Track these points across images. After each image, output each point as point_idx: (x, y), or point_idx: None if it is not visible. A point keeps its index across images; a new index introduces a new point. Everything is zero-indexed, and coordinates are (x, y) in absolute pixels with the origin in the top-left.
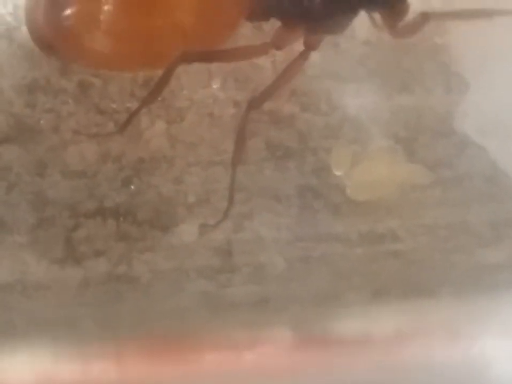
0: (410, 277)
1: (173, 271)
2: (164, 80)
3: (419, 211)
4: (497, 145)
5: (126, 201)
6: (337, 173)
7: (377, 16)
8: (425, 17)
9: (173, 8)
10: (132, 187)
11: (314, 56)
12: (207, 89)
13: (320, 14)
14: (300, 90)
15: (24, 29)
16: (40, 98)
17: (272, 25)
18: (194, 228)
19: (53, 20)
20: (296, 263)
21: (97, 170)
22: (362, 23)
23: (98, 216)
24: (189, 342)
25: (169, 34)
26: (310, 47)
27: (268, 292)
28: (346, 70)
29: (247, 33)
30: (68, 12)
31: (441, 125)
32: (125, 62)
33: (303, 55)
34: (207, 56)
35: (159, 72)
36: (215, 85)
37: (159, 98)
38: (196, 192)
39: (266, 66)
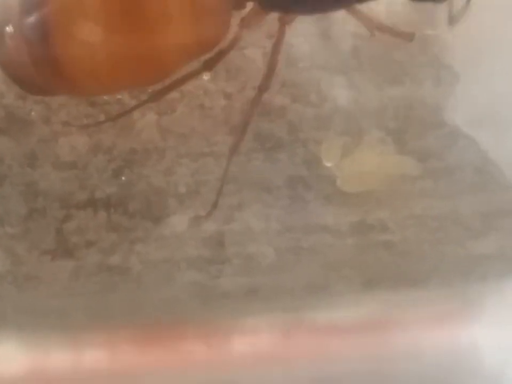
0: (400, 267)
1: (164, 262)
2: (179, 84)
3: (409, 202)
4: (488, 136)
5: (117, 192)
6: (328, 164)
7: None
8: None
9: (168, 24)
10: (123, 178)
11: (305, 47)
12: (197, 80)
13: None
14: (290, 81)
15: None
16: None
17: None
18: (185, 218)
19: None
20: (287, 254)
21: (88, 161)
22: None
23: (89, 207)
24: (179, 331)
25: (168, 51)
26: (285, 23)
27: (258, 282)
28: (337, 61)
29: None
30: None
31: (431, 117)
32: (127, 85)
33: (281, 30)
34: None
35: None
36: (206, 77)
37: (149, 90)
38: (187, 183)
39: (257, 58)
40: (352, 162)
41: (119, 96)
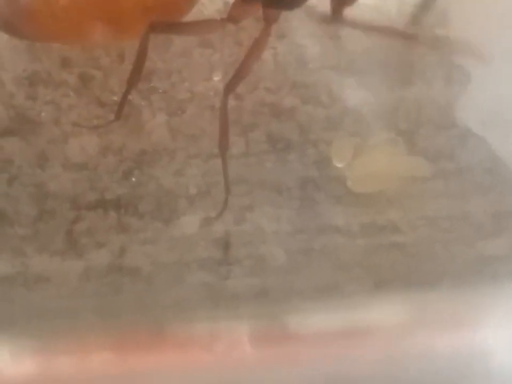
0: (411, 268)
1: (174, 263)
2: (141, 56)
3: (420, 203)
4: (498, 136)
5: (127, 193)
6: (338, 165)
7: None
8: None
9: None
10: (133, 179)
11: (315, 48)
12: (208, 81)
13: None
14: (301, 82)
15: None
16: (41, 91)
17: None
18: (196, 219)
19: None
20: (297, 255)
21: (98, 162)
22: (363, 14)
23: (99, 208)
24: (190, 332)
25: (129, 5)
26: (269, 21)
27: (268, 284)
28: (347, 62)
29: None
30: None
31: (442, 117)
32: (85, 34)
33: (266, 30)
34: (174, 28)
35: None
36: (216, 77)
37: (160, 91)
38: (197, 184)
39: (268, 58)
40: (363, 163)
41: (129, 97)
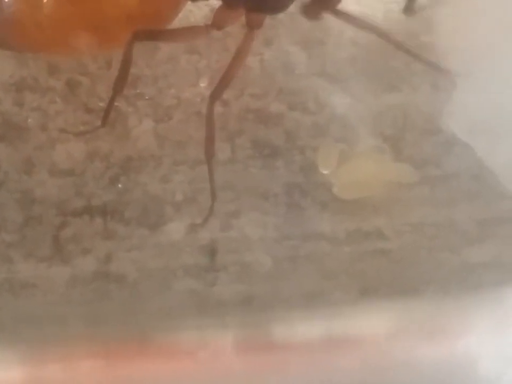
0: (396, 275)
1: (160, 270)
2: (126, 64)
3: (406, 209)
4: (484, 143)
5: (114, 199)
6: (324, 171)
7: None
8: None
9: None
10: (120, 185)
11: (302, 55)
12: (194, 88)
13: None
14: (288, 89)
15: None
16: (27, 97)
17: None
18: (182, 226)
19: None
20: (283, 262)
21: (85, 168)
22: None
23: (85, 215)
24: (176, 340)
25: (113, 15)
26: (253, 26)
27: (254, 291)
28: (334, 69)
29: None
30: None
31: (428, 124)
32: (71, 44)
33: (249, 36)
34: (158, 35)
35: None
36: (203, 84)
37: (146, 97)
38: (183, 191)
39: (254, 65)
40: (349, 170)
41: (116, 104)
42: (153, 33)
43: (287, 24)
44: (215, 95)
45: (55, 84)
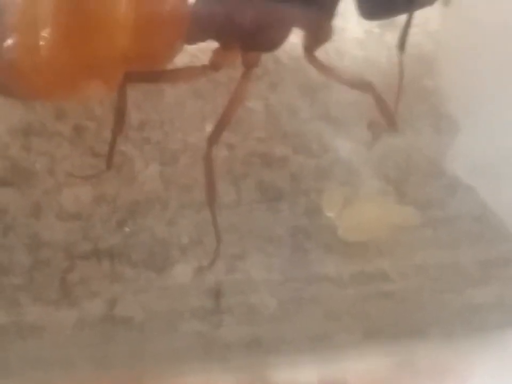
0: (400, 317)
1: (166, 312)
2: (121, 106)
3: (410, 251)
4: (487, 185)
5: (121, 242)
6: (329, 214)
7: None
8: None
9: (110, 33)
10: (126, 229)
11: (306, 99)
12: (200, 132)
13: (253, 31)
14: (292, 132)
15: None
16: (35, 142)
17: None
18: (188, 268)
19: None
20: (288, 304)
21: (92, 212)
22: (354, 65)
23: (93, 258)
24: (183, 382)
25: (109, 57)
26: (249, 65)
27: (259, 333)
28: (338, 112)
29: None
30: (8, 45)
31: (431, 166)
32: (71, 88)
33: (246, 76)
34: (150, 77)
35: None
36: (209, 128)
37: (153, 141)
38: (189, 234)
39: (259, 109)
40: (353, 212)
41: (122, 148)
42: (146, 74)
43: (292, 68)
44: (213, 139)
45: (62, 128)
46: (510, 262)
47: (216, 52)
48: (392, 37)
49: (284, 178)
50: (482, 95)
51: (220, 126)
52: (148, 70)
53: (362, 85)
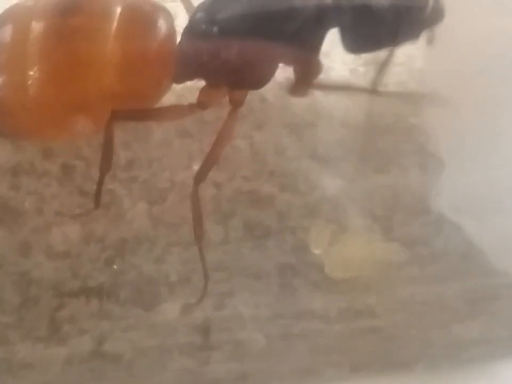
0: (387, 352)
1: (155, 349)
2: (108, 144)
3: (396, 288)
4: (472, 222)
5: (109, 280)
6: (316, 251)
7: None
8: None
9: (98, 72)
10: (115, 267)
11: (292, 137)
12: (188, 170)
13: (239, 69)
14: (279, 170)
15: None
16: (24, 181)
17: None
18: (176, 306)
19: None
20: (276, 340)
21: (81, 250)
22: (340, 105)
23: (82, 296)
24: None
25: (97, 97)
26: (236, 104)
27: (248, 369)
28: (324, 150)
29: None
30: None
31: (417, 204)
32: (58, 128)
33: (232, 114)
34: (137, 115)
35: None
36: (196, 166)
37: (140, 180)
38: (178, 272)
39: (244, 147)
40: (340, 249)
41: (110, 186)
42: (133, 112)
43: (278, 107)
44: (200, 178)
45: (51, 167)
46: (495, 298)
47: (203, 91)
48: None
49: (271, 216)
50: (467, 133)
51: (207, 165)
52: (135, 108)
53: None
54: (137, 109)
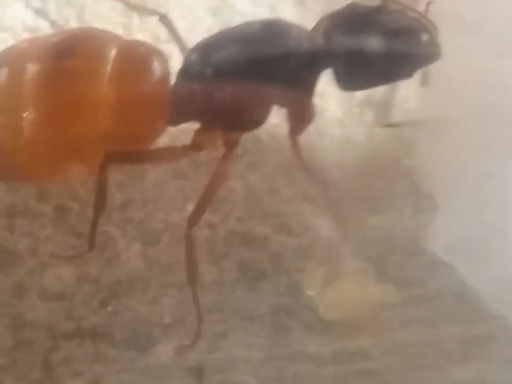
0: None
1: None
2: (101, 186)
3: (390, 329)
4: (466, 264)
5: (103, 322)
6: (310, 293)
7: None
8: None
9: (92, 114)
10: (109, 308)
11: (286, 178)
12: (182, 212)
13: (233, 112)
14: (272, 212)
15: None
16: (18, 222)
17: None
18: (170, 348)
19: None
20: (270, 382)
21: (75, 292)
22: (334, 146)
23: (76, 338)
24: None
25: (92, 140)
26: (230, 146)
27: None
28: (318, 191)
29: None
30: None
31: (411, 245)
32: (52, 170)
33: (227, 156)
34: (130, 157)
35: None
36: (190, 208)
37: (135, 221)
38: (172, 313)
39: (240, 189)
40: (334, 291)
41: (105, 228)
42: (127, 155)
43: (272, 148)
44: (193, 219)
45: (45, 208)
46: (490, 340)
47: (197, 133)
48: (371, 116)
49: (265, 258)
50: (461, 174)
51: (200, 207)
52: (129, 151)
53: (323, 184)
54: (131, 151)
